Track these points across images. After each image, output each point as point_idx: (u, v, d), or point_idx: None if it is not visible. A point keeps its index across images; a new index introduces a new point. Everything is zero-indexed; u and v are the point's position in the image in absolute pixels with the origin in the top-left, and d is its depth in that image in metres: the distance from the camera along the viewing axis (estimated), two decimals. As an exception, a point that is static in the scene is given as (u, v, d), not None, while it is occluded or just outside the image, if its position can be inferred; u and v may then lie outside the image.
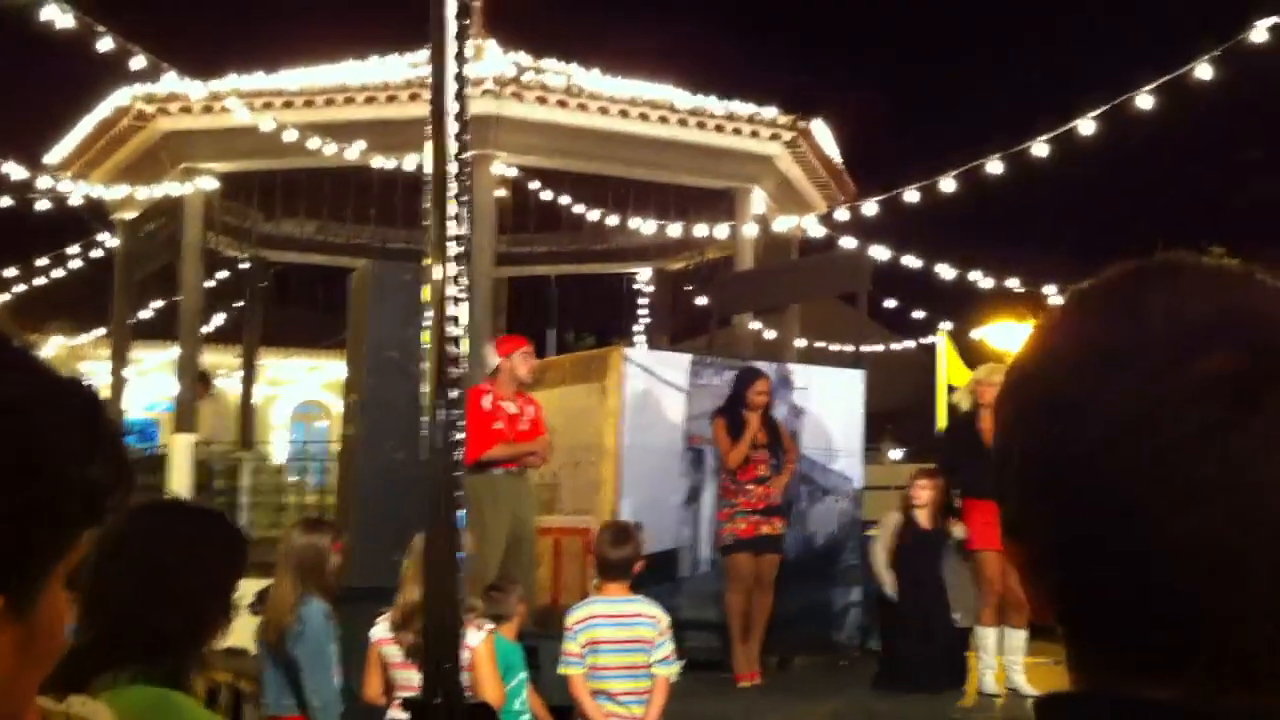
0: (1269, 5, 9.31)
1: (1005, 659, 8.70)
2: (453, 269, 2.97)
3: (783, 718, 8.08)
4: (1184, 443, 0.78)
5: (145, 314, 17.53)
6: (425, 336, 2.86)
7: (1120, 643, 0.82)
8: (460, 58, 3.06)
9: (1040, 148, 10.78)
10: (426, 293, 2.89)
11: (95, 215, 16.78)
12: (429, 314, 2.90)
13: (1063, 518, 0.83)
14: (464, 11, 3.05)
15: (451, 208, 3.03)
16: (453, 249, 3.01)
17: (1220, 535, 0.77)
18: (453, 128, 3.03)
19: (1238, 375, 0.79)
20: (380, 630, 5.13)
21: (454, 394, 2.78)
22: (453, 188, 3.06)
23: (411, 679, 4.73)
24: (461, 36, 3.05)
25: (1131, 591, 0.80)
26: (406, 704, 2.57)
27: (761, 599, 8.96)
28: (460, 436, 2.78)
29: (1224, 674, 0.79)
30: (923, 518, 8.76)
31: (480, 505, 7.96)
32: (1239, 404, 0.78)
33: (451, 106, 3.00)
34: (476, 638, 5.02)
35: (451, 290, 2.93)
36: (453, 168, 3.05)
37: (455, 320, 2.90)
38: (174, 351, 15.49)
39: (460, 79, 3.04)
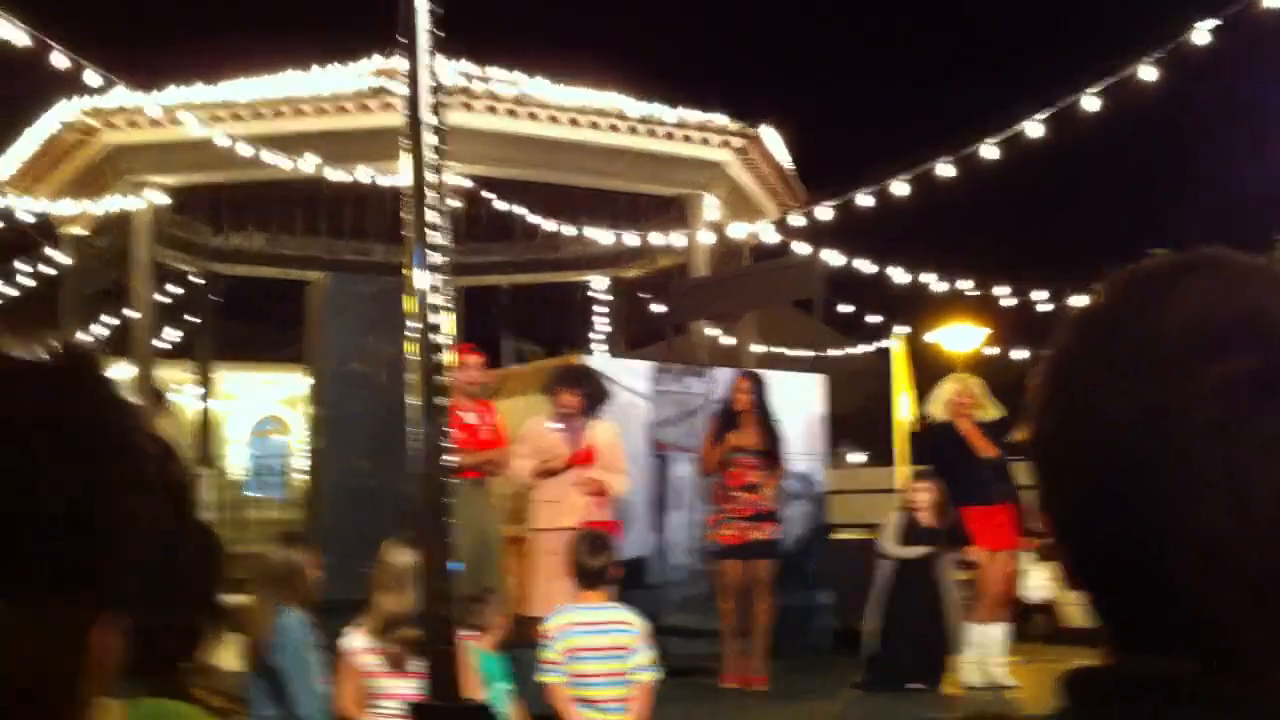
0: (1208, 6, 9.47)
1: (988, 654, 8.95)
2: (435, 279, 2.97)
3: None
4: (1192, 438, 0.81)
5: (97, 330, 17.34)
6: (409, 347, 2.86)
7: (1127, 620, 0.86)
8: (435, 69, 3.06)
9: (989, 150, 10.90)
10: (410, 303, 2.90)
11: (42, 231, 16.58)
12: (412, 324, 2.90)
13: (1078, 504, 0.87)
14: (440, 23, 3.06)
15: (432, 217, 3.03)
16: (434, 259, 3.01)
17: (1220, 529, 0.80)
18: (430, 138, 3.03)
19: (1251, 376, 0.81)
20: (355, 641, 5.09)
21: (440, 402, 2.79)
22: (431, 198, 3.06)
23: (394, 687, 4.71)
24: (436, 49, 3.05)
25: (1134, 575, 0.83)
26: (414, 709, 2.58)
27: (760, 604, 9.01)
28: (448, 444, 2.79)
29: (1220, 658, 0.82)
30: (924, 518, 9.00)
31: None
32: (1248, 404, 0.80)
33: (428, 117, 3.00)
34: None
35: (434, 300, 2.93)
36: (431, 178, 3.05)
37: (439, 329, 2.90)
38: (127, 368, 15.32)
39: (436, 89, 3.04)
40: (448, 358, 2.98)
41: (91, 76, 10.93)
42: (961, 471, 8.95)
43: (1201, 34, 9.35)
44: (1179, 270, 0.88)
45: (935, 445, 9.40)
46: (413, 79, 3.02)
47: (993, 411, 9.10)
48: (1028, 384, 0.94)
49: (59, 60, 10.49)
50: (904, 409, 11.40)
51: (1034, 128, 10.54)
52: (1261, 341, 0.82)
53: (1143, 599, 0.84)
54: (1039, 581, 9.10)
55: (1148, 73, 9.80)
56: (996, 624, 9.06)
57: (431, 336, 2.92)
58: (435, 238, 3.05)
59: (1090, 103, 10.14)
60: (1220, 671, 0.81)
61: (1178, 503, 0.81)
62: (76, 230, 16.57)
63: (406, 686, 4.69)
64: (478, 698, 5.00)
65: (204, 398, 18.36)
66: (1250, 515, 0.79)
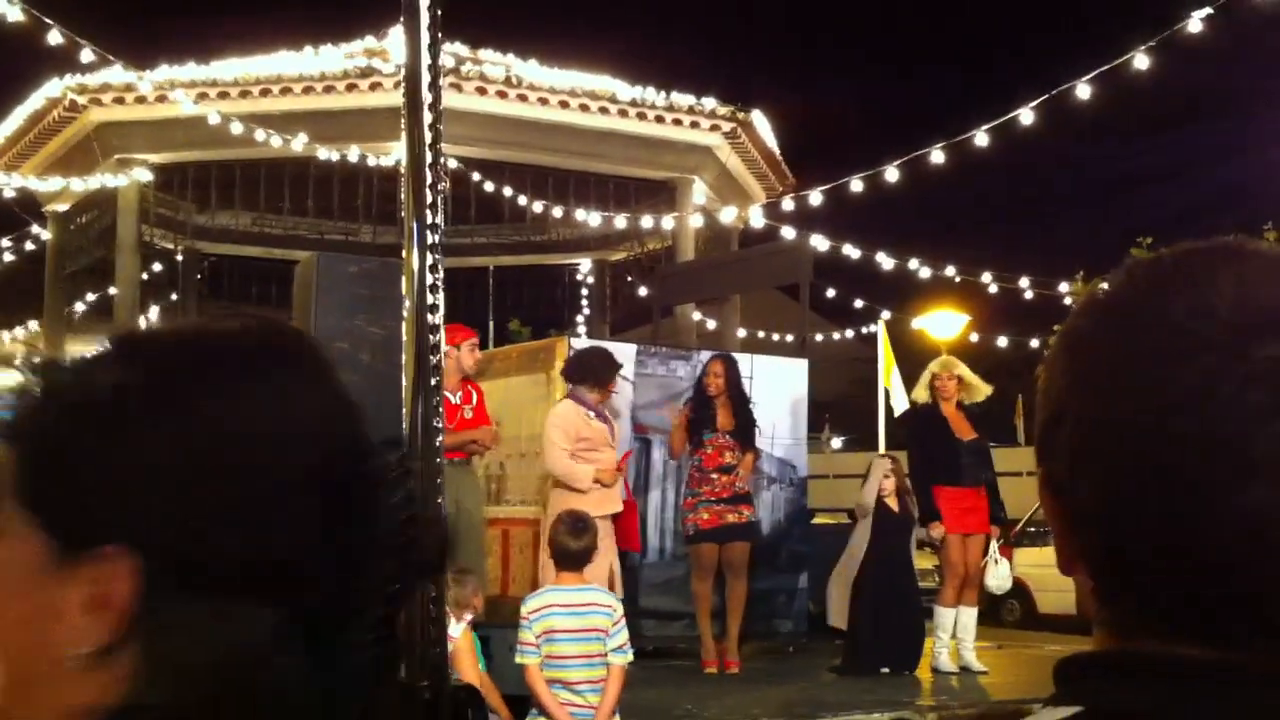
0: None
1: (958, 637, 9.03)
2: (430, 259, 2.97)
3: (733, 705, 8.13)
4: (1238, 423, 0.80)
5: (79, 307, 17.25)
6: (404, 328, 2.86)
7: (1157, 605, 0.84)
8: (435, 48, 3.06)
9: (981, 137, 10.90)
10: (405, 283, 2.90)
11: (26, 208, 16.50)
12: (407, 305, 2.90)
13: (1112, 483, 0.85)
14: (440, 2, 3.04)
15: (428, 197, 3.02)
16: (430, 239, 3.01)
17: (1265, 513, 0.80)
18: (428, 117, 3.03)
19: None
20: None
21: (434, 382, 2.78)
22: (429, 178, 3.05)
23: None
24: (435, 26, 3.04)
25: (1173, 559, 0.82)
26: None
27: (734, 587, 8.98)
28: (440, 426, 2.79)
29: (1256, 640, 0.81)
30: (890, 503, 9.13)
31: (422, 496, 7.86)
32: None
33: (426, 96, 3.00)
34: (457, 629, 5.01)
35: (430, 280, 2.93)
36: (429, 157, 3.04)
37: (434, 310, 2.90)
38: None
39: (435, 69, 3.04)
40: (443, 338, 2.98)
41: (86, 54, 10.86)
42: (939, 452, 8.99)
43: (1195, 23, 9.37)
44: (1213, 255, 0.88)
45: (917, 425, 9.47)
46: (412, 56, 3.01)
47: (982, 391, 9.13)
48: (1039, 370, 0.93)
49: (54, 37, 10.42)
50: (889, 394, 11.43)
51: (1026, 115, 10.55)
52: None
53: (1175, 582, 0.83)
54: (1006, 568, 9.20)
55: (1141, 61, 9.81)
56: (965, 607, 9.15)
57: (429, 317, 2.92)
58: (432, 218, 3.04)
59: (1083, 91, 10.15)
60: (1251, 655, 0.81)
61: (1226, 484, 0.80)
62: (61, 207, 16.48)
63: None
64: (476, 680, 5.00)
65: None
66: None
